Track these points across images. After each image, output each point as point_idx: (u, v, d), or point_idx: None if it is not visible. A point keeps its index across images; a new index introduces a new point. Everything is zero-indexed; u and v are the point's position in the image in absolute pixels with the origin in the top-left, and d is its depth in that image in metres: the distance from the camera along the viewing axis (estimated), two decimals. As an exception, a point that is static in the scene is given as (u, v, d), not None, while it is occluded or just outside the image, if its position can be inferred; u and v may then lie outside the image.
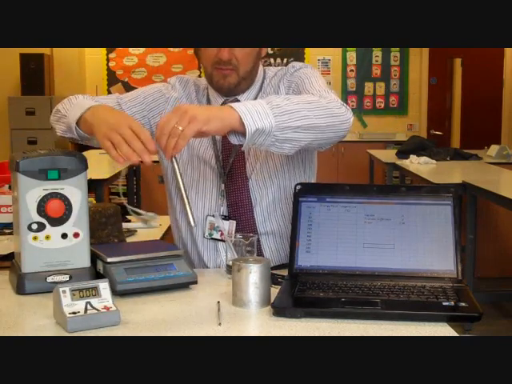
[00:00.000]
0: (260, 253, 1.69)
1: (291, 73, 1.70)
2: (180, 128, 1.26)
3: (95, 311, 1.18)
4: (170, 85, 1.77)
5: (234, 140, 1.36)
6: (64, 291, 1.19)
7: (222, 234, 1.68)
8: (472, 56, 7.19)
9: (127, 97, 1.73)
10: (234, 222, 1.67)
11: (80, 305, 1.18)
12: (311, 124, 1.40)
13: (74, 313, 1.17)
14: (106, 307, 1.20)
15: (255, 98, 1.68)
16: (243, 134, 1.33)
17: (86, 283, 1.22)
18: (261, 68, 1.73)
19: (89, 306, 1.19)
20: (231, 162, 1.67)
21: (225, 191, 1.68)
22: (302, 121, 1.38)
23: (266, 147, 1.39)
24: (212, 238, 1.70)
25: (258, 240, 1.68)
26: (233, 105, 1.34)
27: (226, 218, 1.68)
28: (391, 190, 1.52)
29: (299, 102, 1.40)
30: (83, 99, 1.57)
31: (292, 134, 1.37)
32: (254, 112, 1.32)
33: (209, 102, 1.72)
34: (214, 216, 1.67)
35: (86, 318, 1.17)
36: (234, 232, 1.66)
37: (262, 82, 1.72)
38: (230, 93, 1.67)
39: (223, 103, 1.67)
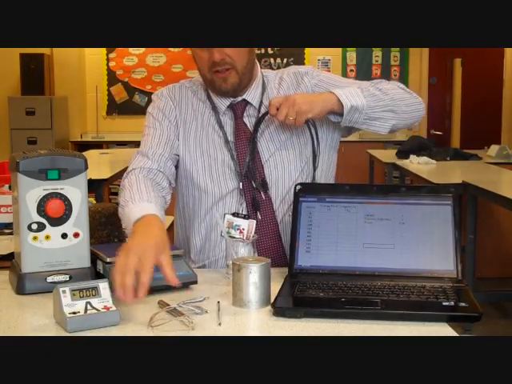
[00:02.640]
0: (283, 252, 1.69)
1: (305, 80, 1.75)
2: (291, 118, 1.55)
3: (95, 311, 1.18)
4: (162, 97, 1.78)
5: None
6: (64, 291, 1.19)
7: (240, 232, 1.67)
8: (472, 56, 7.18)
9: (151, 147, 1.70)
10: (254, 221, 1.65)
11: (80, 305, 1.18)
12: (395, 106, 1.63)
13: (74, 313, 1.17)
14: (106, 307, 1.20)
15: (261, 99, 1.73)
16: (340, 113, 1.59)
17: (86, 283, 1.22)
18: (257, 63, 1.76)
19: (89, 306, 1.19)
20: (247, 161, 1.68)
21: (243, 190, 1.69)
22: (387, 102, 1.62)
23: (360, 125, 1.62)
24: (230, 237, 1.69)
25: (280, 239, 1.69)
26: (332, 90, 1.60)
27: (245, 216, 1.67)
28: (391, 189, 1.52)
29: (383, 90, 1.64)
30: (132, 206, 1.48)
31: (380, 114, 1.62)
32: (349, 94, 1.58)
33: (213, 105, 1.74)
34: (233, 215, 1.67)
35: (86, 318, 1.17)
36: (253, 231, 1.65)
37: (264, 83, 1.75)
38: (235, 93, 1.69)
39: (230, 105, 1.72)
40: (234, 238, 1.61)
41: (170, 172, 1.71)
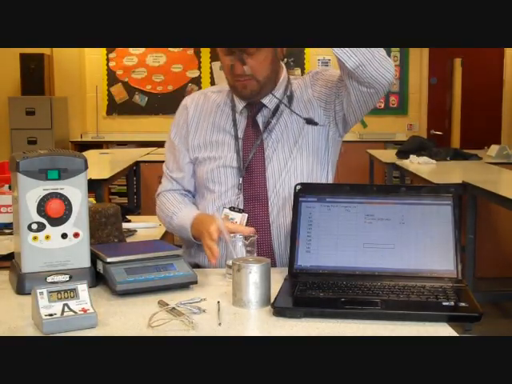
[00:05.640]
0: (270, 248, 1.71)
1: (306, 78, 1.83)
2: None
3: (72, 313, 1.17)
4: (181, 107, 1.88)
5: None
6: (41, 293, 1.17)
7: None
8: (472, 56, 7.18)
9: (172, 171, 1.88)
10: (246, 215, 1.72)
11: (57, 307, 1.17)
12: (373, 50, 1.52)
13: (51, 315, 1.16)
14: (83, 309, 1.18)
15: (278, 103, 1.77)
16: None
17: (65, 285, 1.21)
18: (284, 69, 1.81)
19: (66, 308, 1.17)
20: (251, 158, 1.74)
21: (242, 185, 1.74)
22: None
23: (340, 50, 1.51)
24: None
25: (270, 234, 1.72)
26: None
27: (240, 210, 1.73)
28: (391, 189, 1.52)
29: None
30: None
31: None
32: None
33: (233, 104, 1.80)
34: (229, 208, 1.73)
35: (63, 320, 1.16)
36: (245, 224, 1.69)
37: (287, 87, 1.80)
38: (254, 98, 1.76)
39: (246, 105, 1.78)
40: None
41: (191, 184, 1.86)
